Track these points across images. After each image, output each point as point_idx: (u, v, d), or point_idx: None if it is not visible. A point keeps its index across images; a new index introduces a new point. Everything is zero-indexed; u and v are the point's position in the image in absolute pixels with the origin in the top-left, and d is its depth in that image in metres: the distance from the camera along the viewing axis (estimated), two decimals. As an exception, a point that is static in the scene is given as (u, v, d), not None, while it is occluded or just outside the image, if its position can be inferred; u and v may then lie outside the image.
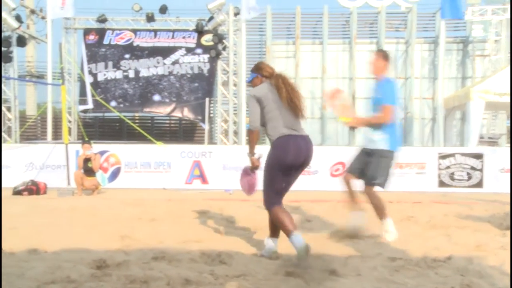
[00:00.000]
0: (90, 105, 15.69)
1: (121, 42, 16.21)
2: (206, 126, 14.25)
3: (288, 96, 4.26)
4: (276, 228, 4.40)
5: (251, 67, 4.66)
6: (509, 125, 17.72)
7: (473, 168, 11.06)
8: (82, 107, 15.78)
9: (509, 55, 16.98)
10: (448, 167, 11.10)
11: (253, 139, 4.38)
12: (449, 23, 17.20)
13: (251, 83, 4.56)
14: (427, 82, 18.34)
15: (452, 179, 11.06)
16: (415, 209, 7.54)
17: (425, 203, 8.47)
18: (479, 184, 11.02)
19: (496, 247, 4.52)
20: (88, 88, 15.53)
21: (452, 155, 11.14)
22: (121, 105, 15.60)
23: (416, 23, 17.80)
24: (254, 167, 4.48)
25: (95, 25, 16.39)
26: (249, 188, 4.60)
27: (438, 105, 16.16)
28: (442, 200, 9.16)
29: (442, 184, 11.10)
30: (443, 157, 11.14)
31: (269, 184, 4.28)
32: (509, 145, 16.18)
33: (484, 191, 10.73)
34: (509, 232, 5.24)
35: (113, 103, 15.45)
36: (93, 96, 15.22)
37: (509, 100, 12.66)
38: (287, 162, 4.19)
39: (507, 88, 12.59)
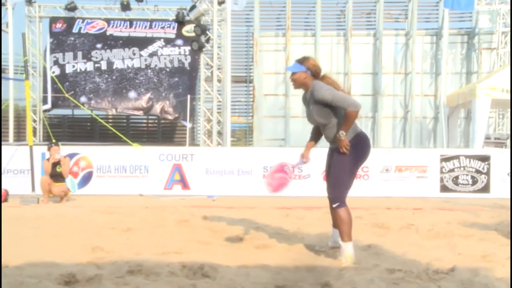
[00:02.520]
0: (49, 105, 15.51)
1: (93, 31, 16.12)
2: (188, 125, 14.20)
3: None
4: None
5: (298, 59, 4.87)
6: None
7: (478, 171, 11.16)
8: (43, 107, 15.64)
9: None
10: (451, 171, 11.19)
11: (354, 119, 4.53)
12: (453, 13, 17.38)
13: (295, 76, 4.76)
14: (429, 77, 18.50)
15: (456, 183, 11.15)
16: (416, 216, 7.57)
17: (427, 209, 8.51)
18: (485, 189, 11.13)
19: (503, 258, 4.55)
20: (49, 84, 15.34)
21: (456, 157, 11.24)
22: (92, 101, 15.45)
23: (417, 13, 17.95)
24: (346, 147, 4.54)
25: (63, 14, 16.29)
26: (277, 187, 4.87)
27: (441, 103, 16.29)
28: (445, 206, 9.23)
29: (444, 189, 11.18)
30: (446, 159, 11.23)
31: (347, 180, 4.62)
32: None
33: (490, 196, 10.84)
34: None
35: (83, 99, 15.31)
36: (56, 92, 15.01)
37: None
38: (367, 157, 4.72)
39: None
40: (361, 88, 18.37)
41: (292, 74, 4.78)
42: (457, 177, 11.17)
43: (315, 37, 18.23)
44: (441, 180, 11.20)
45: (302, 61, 4.78)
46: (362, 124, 18.15)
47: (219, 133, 15.62)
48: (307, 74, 4.70)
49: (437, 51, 18.26)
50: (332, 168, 4.68)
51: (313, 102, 4.62)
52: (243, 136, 21.50)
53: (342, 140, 4.50)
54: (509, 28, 17.37)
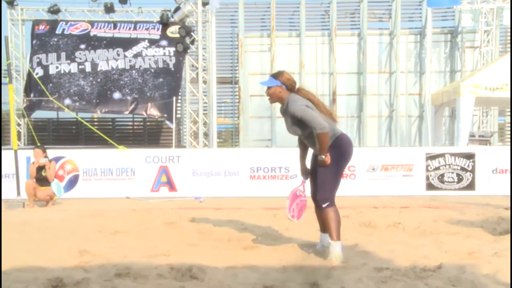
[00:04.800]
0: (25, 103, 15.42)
1: (76, 32, 16.00)
2: (173, 125, 14.15)
3: (324, 107, 4.77)
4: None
5: (272, 73, 4.95)
6: (501, 122, 18.12)
7: (463, 169, 11.24)
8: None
9: (500, 46, 17.38)
10: (437, 169, 11.26)
11: (328, 139, 4.58)
12: (436, 12, 17.54)
13: (270, 90, 4.83)
14: (414, 76, 18.63)
15: (442, 181, 11.22)
16: (402, 214, 7.61)
17: (413, 208, 8.57)
18: (470, 186, 11.20)
19: (489, 254, 4.60)
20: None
21: (441, 155, 11.31)
22: (77, 104, 15.31)
23: (400, 13, 18.06)
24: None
25: (46, 17, 16.17)
26: (299, 213, 4.97)
27: (426, 101, 16.42)
28: (431, 204, 9.29)
29: (430, 187, 11.24)
30: (432, 157, 11.29)
31: (335, 180, 4.73)
32: (502, 143, 16.56)
33: (475, 194, 10.90)
34: (502, 237, 5.36)
35: (68, 101, 15.17)
36: (38, 94, 14.85)
37: (501, 95, 12.94)
38: (351, 157, 4.80)
39: (499, 82, 12.86)
40: (346, 88, 18.45)
41: (268, 88, 4.84)
42: (442, 175, 11.24)
43: (300, 38, 18.27)
44: (427, 178, 11.26)
45: (276, 75, 4.84)
46: (348, 123, 18.24)
47: (205, 135, 15.60)
48: (282, 88, 4.78)
49: (421, 50, 18.39)
50: (318, 171, 4.73)
51: (289, 114, 4.71)
52: (229, 137, 21.49)
53: (324, 162, 4.62)
54: (492, 27, 17.57)
